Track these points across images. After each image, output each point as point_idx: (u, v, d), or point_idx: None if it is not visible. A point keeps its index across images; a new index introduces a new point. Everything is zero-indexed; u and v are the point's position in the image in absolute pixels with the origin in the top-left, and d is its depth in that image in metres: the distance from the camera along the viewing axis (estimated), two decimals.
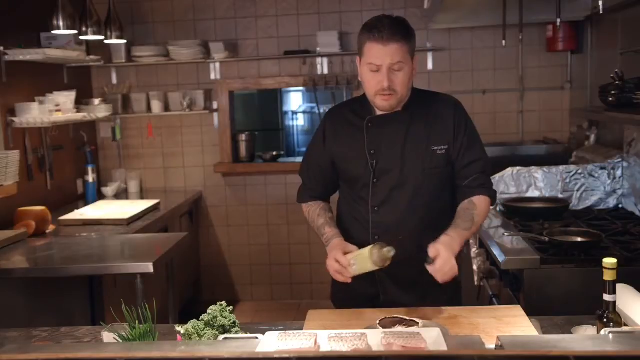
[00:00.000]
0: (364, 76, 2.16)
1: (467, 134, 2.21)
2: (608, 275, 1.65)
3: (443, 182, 2.24)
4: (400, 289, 2.24)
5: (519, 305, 2.06)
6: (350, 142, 2.24)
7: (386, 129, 2.21)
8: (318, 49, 4.84)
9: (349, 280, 2.05)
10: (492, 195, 2.25)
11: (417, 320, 1.84)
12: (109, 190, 4.79)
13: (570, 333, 1.81)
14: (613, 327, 1.63)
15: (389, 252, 1.98)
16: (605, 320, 1.67)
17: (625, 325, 1.75)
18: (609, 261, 1.65)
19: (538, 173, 3.48)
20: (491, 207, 2.33)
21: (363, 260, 2.01)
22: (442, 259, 1.97)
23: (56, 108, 4.01)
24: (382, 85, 2.09)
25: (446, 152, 2.19)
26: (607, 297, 1.67)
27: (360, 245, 2.11)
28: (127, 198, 4.80)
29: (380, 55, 2.08)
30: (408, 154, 2.18)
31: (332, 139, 2.29)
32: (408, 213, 2.19)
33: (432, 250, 1.99)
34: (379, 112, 2.22)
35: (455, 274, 2.01)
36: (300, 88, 5.68)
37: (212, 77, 5.04)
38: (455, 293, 2.32)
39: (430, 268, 1.98)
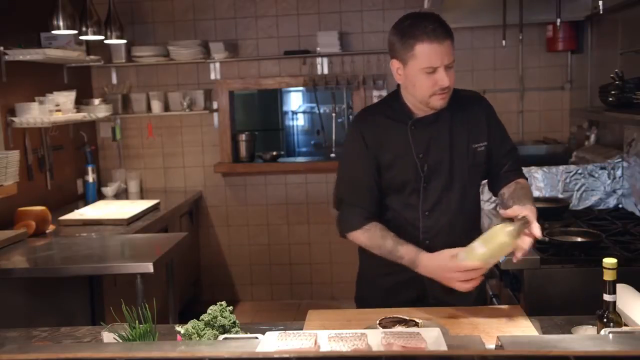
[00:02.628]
0: (416, 80, 2.05)
1: (498, 125, 2.23)
2: (608, 275, 1.65)
3: (479, 182, 2.26)
4: (445, 292, 2.17)
5: (519, 305, 2.06)
6: (395, 148, 2.15)
7: (431, 130, 2.15)
8: (318, 49, 4.84)
9: (483, 278, 1.98)
10: (526, 178, 2.30)
11: (417, 320, 1.84)
12: (109, 190, 4.79)
13: (570, 333, 1.81)
14: (613, 327, 1.63)
15: (523, 221, 1.91)
16: (605, 320, 1.67)
17: (625, 325, 1.75)
18: (609, 261, 1.65)
19: (538, 173, 3.48)
20: (491, 207, 2.35)
21: (499, 243, 1.91)
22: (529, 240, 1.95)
23: (56, 108, 4.01)
24: (444, 84, 2.02)
25: (485, 148, 2.18)
26: (607, 297, 1.67)
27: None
28: (127, 198, 4.80)
29: (438, 55, 1.99)
30: (454, 154, 2.15)
31: (375, 148, 2.16)
32: (458, 213, 2.18)
33: (529, 215, 1.93)
34: (418, 115, 2.15)
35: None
36: (300, 88, 5.67)
37: (212, 77, 5.04)
38: (482, 290, 2.33)
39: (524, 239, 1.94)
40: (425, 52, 2.00)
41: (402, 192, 2.17)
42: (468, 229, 2.19)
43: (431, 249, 2.11)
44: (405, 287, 2.21)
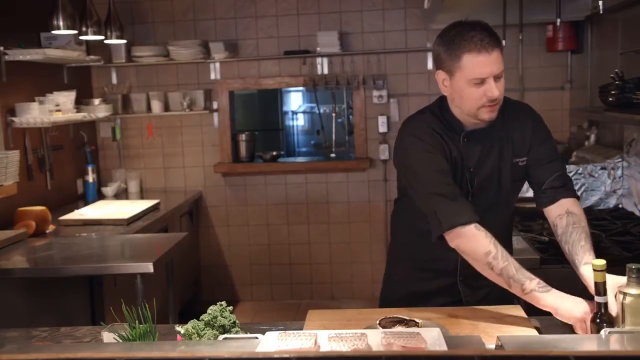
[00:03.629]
0: (463, 92, 1.97)
1: (544, 137, 2.12)
2: (598, 277, 1.65)
3: (517, 192, 2.20)
4: (478, 298, 2.18)
5: (519, 305, 2.06)
6: (449, 158, 2.05)
7: (481, 144, 2.07)
8: (318, 49, 4.84)
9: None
10: (577, 196, 2.11)
11: (417, 320, 1.84)
12: (109, 190, 4.79)
13: (570, 333, 1.81)
14: (606, 327, 1.63)
15: None
16: (598, 321, 1.67)
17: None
18: (598, 263, 1.64)
19: None
20: None
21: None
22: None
23: (56, 108, 4.01)
24: (492, 95, 1.93)
25: (526, 163, 2.11)
26: (598, 299, 1.67)
27: (445, 261, 2.08)
28: (127, 198, 4.80)
29: (487, 67, 1.91)
30: (502, 168, 2.09)
31: (442, 148, 2.04)
32: (501, 229, 2.10)
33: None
34: (468, 127, 2.06)
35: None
36: (300, 88, 5.68)
37: (212, 77, 5.04)
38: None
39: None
40: (473, 63, 1.92)
41: None
42: (505, 243, 2.08)
43: (467, 262, 1.99)
44: (442, 294, 2.18)
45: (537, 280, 1.87)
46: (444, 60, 1.99)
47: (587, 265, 1.86)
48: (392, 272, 2.35)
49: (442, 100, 2.12)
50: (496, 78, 1.95)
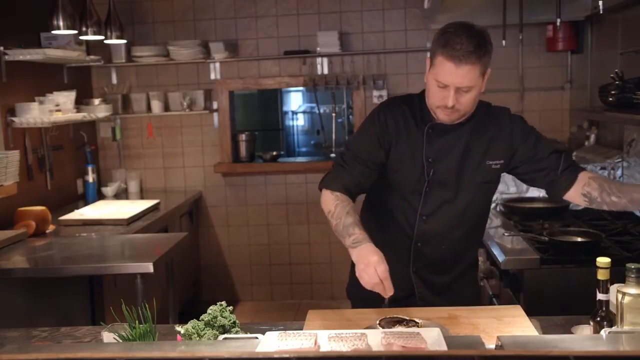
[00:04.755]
0: (429, 86, 2.05)
1: (531, 138, 2.15)
2: (601, 275, 1.66)
3: (490, 197, 2.24)
4: (433, 294, 2.24)
5: (519, 305, 2.06)
6: (409, 145, 2.14)
7: (447, 138, 2.13)
8: (318, 49, 4.84)
9: (387, 296, 1.91)
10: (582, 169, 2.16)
11: (417, 320, 1.84)
12: (109, 190, 4.79)
13: (570, 333, 1.81)
14: (607, 326, 1.64)
15: None
16: (599, 319, 1.67)
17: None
18: (603, 260, 1.65)
19: None
20: (491, 207, 2.33)
21: None
22: None
23: (56, 108, 4.01)
24: (446, 103, 2.00)
25: (501, 167, 2.15)
26: (600, 296, 1.67)
27: (400, 248, 2.14)
28: (127, 198, 4.80)
29: (450, 76, 1.97)
30: (465, 166, 2.13)
31: (392, 136, 2.14)
32: (455, 225, 2.17)
33: None
34: (439, 120, 2.12)
35: None
36: (300, 88, 5.68)
37: (212, 77, 5.04)
38: (477, 297, 2.35)
39: None
40: (441, 66, 1.98)
41: (403, 190, 2.16)
42: (464, 240, 2.20)
43: (421, 252, 2.17)
44: (396, 288, 2.20)
45: (355, 236, 1.98)
46: (431, 50, 2.06)
47: None
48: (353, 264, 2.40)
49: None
50: (460, 90, 1.98)
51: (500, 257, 2.67)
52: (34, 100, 3.93)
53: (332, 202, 2.09)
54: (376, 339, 1.60)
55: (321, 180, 2.19)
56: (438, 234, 2.17)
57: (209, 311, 1.71)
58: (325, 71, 4.93)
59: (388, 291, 1.90)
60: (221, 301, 1.75)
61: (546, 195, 3.43)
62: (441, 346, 1.55)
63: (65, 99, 4.17)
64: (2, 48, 3.70)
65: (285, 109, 7.72)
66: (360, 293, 2.13)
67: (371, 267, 1.89)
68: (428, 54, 2.10)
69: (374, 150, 2.14)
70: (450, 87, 1.98)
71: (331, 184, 2.14)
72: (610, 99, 3.04)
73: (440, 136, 2.12)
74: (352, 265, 2.16)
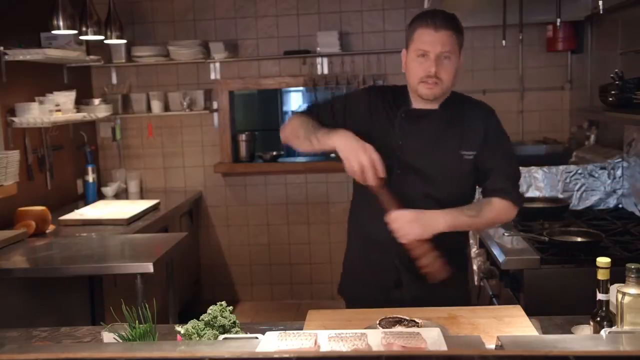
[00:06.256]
0: (409, 64, 2.13)
1: (497, 142, 2.18)
2: (601, 275, 1.66)
3: (466, 188, 2.23)
4: (417, 282, 2.21)
5: (519, 305, 2.06)
6: (382, 129, 2.17)
7: (420, 124, 2.16)
8: (318, 49, 4.84)
9: (376, 182, 1.98)
10: (514, 200, 2.17)
11: (417, 320, 1.84)
12: (109, 190, 4.79)
13: (570, 333, 1.81)
14: (607, 326, 1.64)
15: None
16: (598, 319, 1.67)
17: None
18: (603, 260, 1.65)
19: (538, 173, 3.48)
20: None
21: None
22: (402, 213, 2.01)
23: (56, 108, 4.01)
24: (429, 71, 2.05)
25: (474, 157, 2.16)
26: (600, 296, 1.67)
27: (383, 239, 2.12)
28: (127, 198, 4.80)
29: (430, 41, 2.05)
30: (438, 154, 2.15)
31: (365, 116, 2.19)
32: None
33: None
34: (415, 105, 2.18)
35: (416, 236, 2.02)
36: (300, 88, 5.68)
37: (212, 77, 5.04)
38: (464, 292, 2.33)
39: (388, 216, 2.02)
40: (420, 35, 2.08)
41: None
42: (444, 232, 2.14)
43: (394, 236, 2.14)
44: (378, 278, 2.24)
45: (325, 129, 2.10)
46: (407, 36, 2.15)
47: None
48: (346, 258, 2.49)
49: None
50: (440, 58, 2.06)
51: (500, 257, 2.67)
52: (34, 100, 3.93)
53: (295, 119, 2.22)
54: (376, 339, 1.60)
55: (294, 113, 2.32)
56: None
57: (209, 311, 1.71)
58: (325, 71, 4.93)
59: (380, 172, 1.96)
60: (221, 301, 1.75)
61: (547, 196, 3.46)
62: (441, 346, 1.55)
63: (65, 99, 4.17)
64: (2, 48, 3.70)
65: (285, 109, 7.72)
66: (355, 291, 2.16)
67: (359, 148, 1.97)
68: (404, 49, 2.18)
69: (340, 113, 2.22)
70: (431, 53, 2.06)
71: (295, 113, 2.28)
72: (610, 99, 3.04)
73: (414, 121, 2.17)
74: (345, 261, 2.19)
